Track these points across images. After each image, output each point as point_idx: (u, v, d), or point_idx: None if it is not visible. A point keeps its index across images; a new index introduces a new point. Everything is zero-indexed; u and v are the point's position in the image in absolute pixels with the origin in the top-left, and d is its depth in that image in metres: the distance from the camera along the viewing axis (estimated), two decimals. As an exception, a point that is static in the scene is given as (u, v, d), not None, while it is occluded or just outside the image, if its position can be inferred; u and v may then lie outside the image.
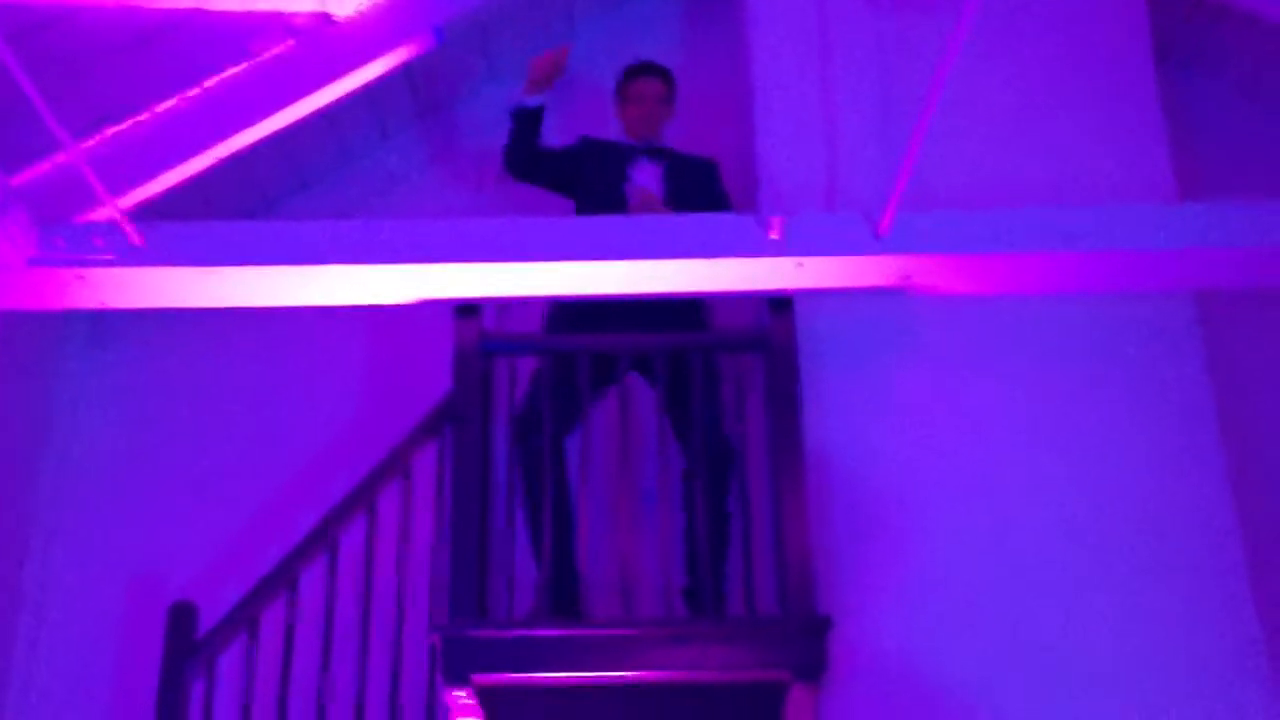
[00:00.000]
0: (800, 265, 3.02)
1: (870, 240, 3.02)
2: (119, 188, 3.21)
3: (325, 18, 3.60)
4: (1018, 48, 3.72)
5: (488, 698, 2.92)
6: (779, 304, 3.22)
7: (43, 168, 3.24)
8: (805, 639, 2.86)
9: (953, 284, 3.14)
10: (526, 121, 3.69)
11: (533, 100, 3.69)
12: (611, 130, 3.90)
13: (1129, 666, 3.06)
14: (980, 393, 3.35)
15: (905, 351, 3.38)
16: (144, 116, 3.41)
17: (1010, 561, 3.18)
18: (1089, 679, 3.06)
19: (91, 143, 3.32)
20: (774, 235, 3.00)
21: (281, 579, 3.09)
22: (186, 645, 2.99)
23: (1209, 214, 2.94)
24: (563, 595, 3.07)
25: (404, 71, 3.94)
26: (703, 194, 3.66)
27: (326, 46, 3.60)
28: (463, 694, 2.89)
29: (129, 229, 2.86)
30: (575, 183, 3.69)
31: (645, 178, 3.65)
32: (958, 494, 3.24)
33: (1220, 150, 3.96)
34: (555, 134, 3.94)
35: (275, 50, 3.55)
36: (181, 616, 3.02)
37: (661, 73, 3.83)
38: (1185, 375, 3.38)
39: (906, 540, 3.19)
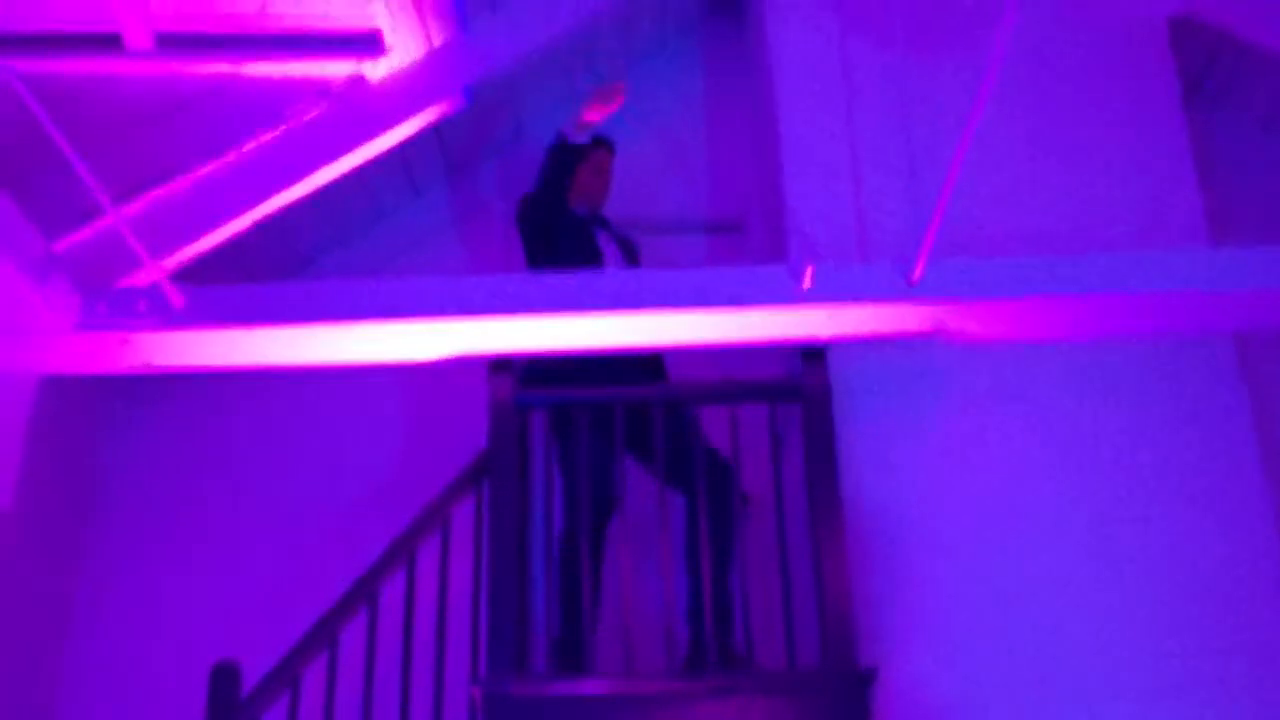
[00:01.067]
0: (832, 315, 3.03)
1: (902, 288, 3.02)
2: (159, 251, 3.26)
3: (359, 80, 3.67)
4: (1044, 90, 3.73)
5: (529, 754, 2.91)
6: (812, 354, 3.23)
7: (84, 234, 3.30)
8: (848, 692, 2.84)
9: (986, 330, 3.13)
10: (569, 157, 3.61)
11: (578, 136, 3.62)
12: (646, 177, 3.92)
13: (1174, 716, 3.02)
14: (1016, 438, 3.34)
15: (940, 398, 3.37)
16: (182, 181, 3.47)
17: (1051, 608, 3.15)
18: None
19: (132, 208, 3.38)
20: (805, 285, 3.01)
21: (322, 636, 3.10)
22: (230, 705, 2.99)
23: (1242, 256, 2.94)
24: (574, 654, 3.05)
25: (434, 131, 3.99)
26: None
27: (359, 108, 3.66)
28: (504, 749, 2.88)
29: (171, 292, 2.91)
30: (558, 244, 3.64)
31: (612, 254, 3.66)
32: (996, 540, 3.22)
33: (1248, 187, 3.95)
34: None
35: (310, 114, 3.61)
36: (224, 677, 3.02)
37: (607, 142, 3.80)
38: (1226, 417, 3.35)
39: (946, 588, 3.17)
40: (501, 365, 3.25)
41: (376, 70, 3.67)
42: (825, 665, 2.90)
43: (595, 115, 3.56)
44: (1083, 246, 3.32)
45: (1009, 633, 3.10)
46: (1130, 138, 3.66)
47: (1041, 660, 3.08)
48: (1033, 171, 3.62)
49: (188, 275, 3.36)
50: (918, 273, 2.98)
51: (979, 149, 3.40)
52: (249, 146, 3.55)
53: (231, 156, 3.53)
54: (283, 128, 3.58)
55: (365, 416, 3.87)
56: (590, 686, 2.91)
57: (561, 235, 3.64)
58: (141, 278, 3.17)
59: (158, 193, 3.45)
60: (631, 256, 3.76)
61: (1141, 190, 3.58)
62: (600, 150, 3.79)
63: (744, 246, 4.11)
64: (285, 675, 3.05)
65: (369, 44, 3.65)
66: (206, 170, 3.51)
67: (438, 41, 3.72)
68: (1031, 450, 3.30)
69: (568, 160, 3.61)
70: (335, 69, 3.64)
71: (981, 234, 3.42)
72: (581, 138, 3.63)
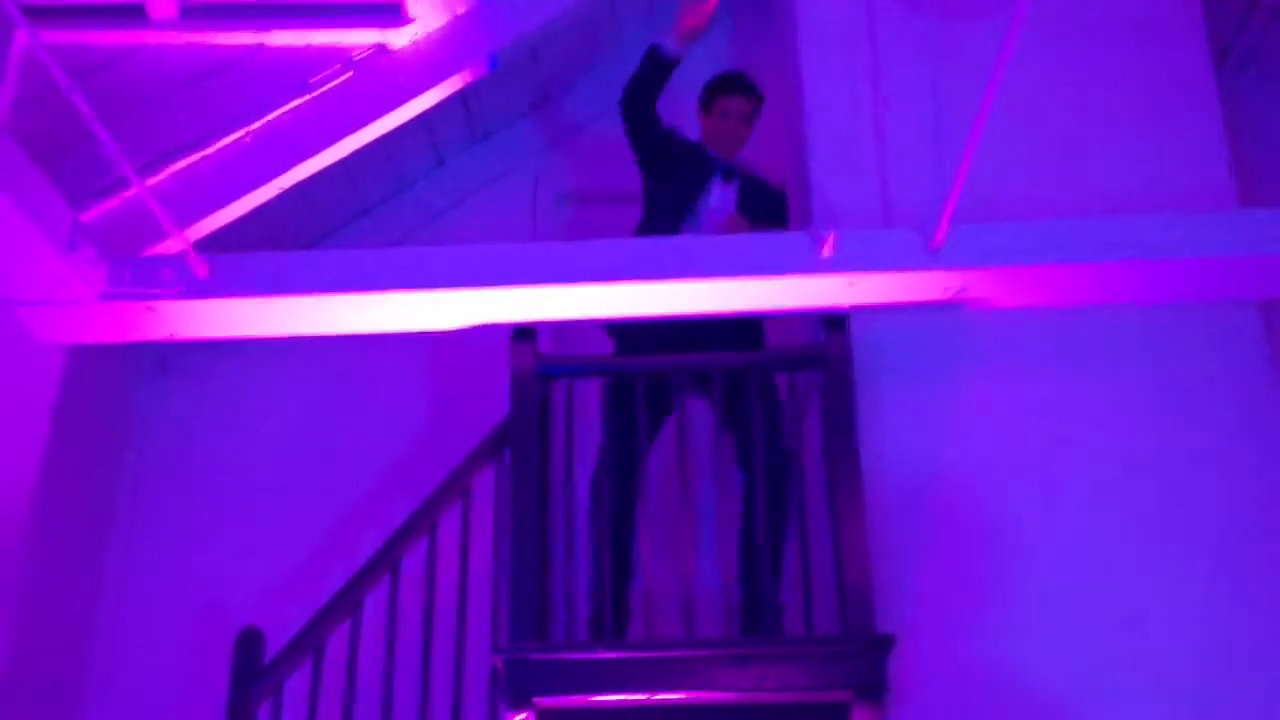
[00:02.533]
0: (854, 283, 3.02)
1: (924, 255, 3.01)
2: (184, 221, 3.29)
3: (382, 49, 3.67)
4: (1071, 54, 3.67)
5: None
6: (834, 321, 3.21)
7: (110, 204, 3.34)
8: (866, 658, 2.84)
9: (1008, 297, 3.12)
10: (661, 67, 3.56)
11: (673, 48, 3.57)
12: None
13: (1201, 677, 3.00)
14: (1038, 405, 3.31)
15: (962, 365, 3.35)
16: (207, 151, 3.49)
17: (1073, 574, 3.13)
18: (1158, 692, 3.00)
19: (158, 178, 3.41)
20: (827, 253, 3.00)
21: (345, 603, 3.13)
22: (254, 671, 3.04)
23: (1270, 221, 2.90)
24: (612, 621, 3.07)
25: (459, 99, 3.99)
26: (769, 220, 3.64)
27: (383, 77, 3.66)
28: (524, 716, 2.91)
29: (196, 262, 2.94)
30: (660, 164, 3.63)
31: (719, 199, 3.63)
32: (1018, 507, 3.20)
33: (1278, 151, 3.89)
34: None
35: (334, 83, 3.62)
36: (248, 642, 3.07)
37: (751, 89, 3.73)
38: (1251, 382, 3.31)
39: (967, 555, 3.16)
40: (524, 334, 3.26)
41: (400, 39, 3.67)
42: (844, 631, 2.90)
43: (690, 22, 3.52)
44: (1109, 212, 3.28)
45: (1031, 597, 3.09)
46: (1159, 102, 3.60)
47: (1063, 628, 3.07)
48: (1059, 137, 3.58)
49: (212, 245, 3.40)
50: (939, 239, 2.96)
51: (1004, 114, 3.36)
52: (273, 116, 3.57)
53: (256, 126, 3.55)
54: (306, 97, 3.60)
55: (388, 385, 3.89)
56: (609, 653, 2.93)
57: (659, 153, 3.62)
58: (167, 247, 3.20)
59: (183, 163, 3.48)
60: (762, 208, 3.63)
61: (1170, 155, 3.52)
62: (725, 95, 3.71)
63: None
64: (309, 642, 3.09)
65: (392, 13, 3.66)
66: (231, 140, 3.53)
67: (461, 9, 3.72)
68: (1053, 417, 3.28)
69: (653, 71, 3.57)
70: (359, 38, 3.65)
71: (1006, 200, 3.38)
72: (675, 48, 3.57)
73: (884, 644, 2.85)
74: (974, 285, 3.01)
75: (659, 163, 3.63)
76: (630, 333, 3.46)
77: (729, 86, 3.73)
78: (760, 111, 3.77)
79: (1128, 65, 3.64)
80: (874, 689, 2.82)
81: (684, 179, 3.60)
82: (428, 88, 3.75)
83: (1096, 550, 3.14)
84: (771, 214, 3.67)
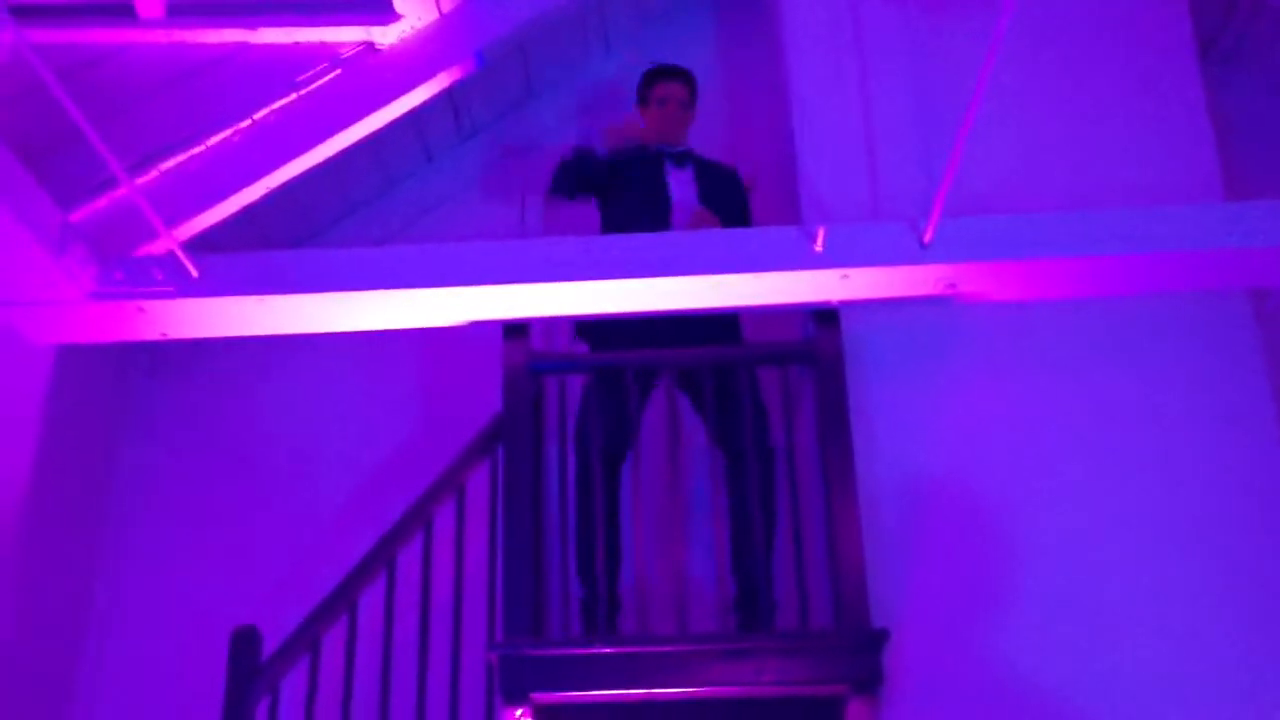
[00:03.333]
0: (845, 276, 3.03)
1: (915, 249, 3.02)
2: (173, 220, 3.28)
3: (369, 47, 3.66)
4: (1057, 48, 3.69)
5: (546, 715, 2.94)
6: (824, 316, 3.22)
7: (99, 203, 3.32)
8: (861, 652, 2.85)
9: (999, 290, 3.13)
10: (589, 164, 3.68)
11: (601, 150, 3.71)
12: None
13: (1195, 671, 3.02)
14: (1030, 398, 3.33)
15: (953, 359, 3.37)
16: (196, 150, 3.48)
17: (1067, 568, 3.15)
18: (1153, 686, 3.02)
19: (146, 177, 3.39)
20: (818, 247, 3.01)
21: (341, 600, 3.13)
22: (250, 669, 3.03)
23: (1257, 213, 2.92)
24: (601, 615, 3.08)
25: (446, 96, 3.99)
26: (728, 202, 3.65)
27: (371, 75, 3.66)
28: (521, 712, 2.92)
29: (186, 261, 2.93)
30: (610, 190, 3.69)
31: (681, 187, 3.65)
32: (1010, 502, 3.22)
33: (1263, 144, 3.91)
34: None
35: (321, 81, 3.61)
36: (245, 640, 3.06)
37: (683, 75, 3.81)
38: (1242, 374, 3.33)
39: (960, 550, 3.17)
40: (516, 330, 3.26)
41: (387, 36, 3.67)
42: (838, 626, 2.92)
43: (613, 140, 3.69)
44: (1097, 205, 3.30)
45: (1025, 595, 3.11)
46: (1145, 95, 3.62)
47: (1057, 622, 3.09)
48: (1047, 130, 3.60)
49: (202, 244, 3.38)
50: (929, 233, 2.97)
51: (993, 109, 3.38)
52: (261, 115, 3.56)
53: (244, 125, 3.54)
54: (294, 96, 3.59)
55: (381, 382, 3.89)
56: (605, 648, 2.94)
57: (606, 182, 3.68)
58: (157, 247, 3.19)
59: (172, 162, 3.46)
60: (718, 188, 3.68)
61: (1156, 148, 3.55)
62: (658, 82, 3.77)
63: (756, 208, 4.10)
64: (305, 639, 3.09)
65: (380, 10, 3.65)
66: (220, 139, 3.52)
67: (448, 7, 3.71)
68: (1046, 410, 3.30)
69: (582, 168, 3.68)
70: (346, 35, 3.64)
71: (995, 194, 3.40)
72: (600, 151, 3.70)
73: (879, 638, 2.86)
74: (965, 279, 3.02)
75: (608, 188, 3.69)
76: (602, 332, 3.46)
77: (663, 74, 3.81)
78: (695, 99, 3.82)
79: (1114, 58, 3.67)
80: (869, 683, 2.83)
81: (638, 182, 3.63)
82: (415, 85, 3.75)
83: (1089, 544, 3.16)
84: (729, 193, 3.68)
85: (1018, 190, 3.46)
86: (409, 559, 3.21)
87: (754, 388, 3.31)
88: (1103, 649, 3.05)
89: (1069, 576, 3.13)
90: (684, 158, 3.72)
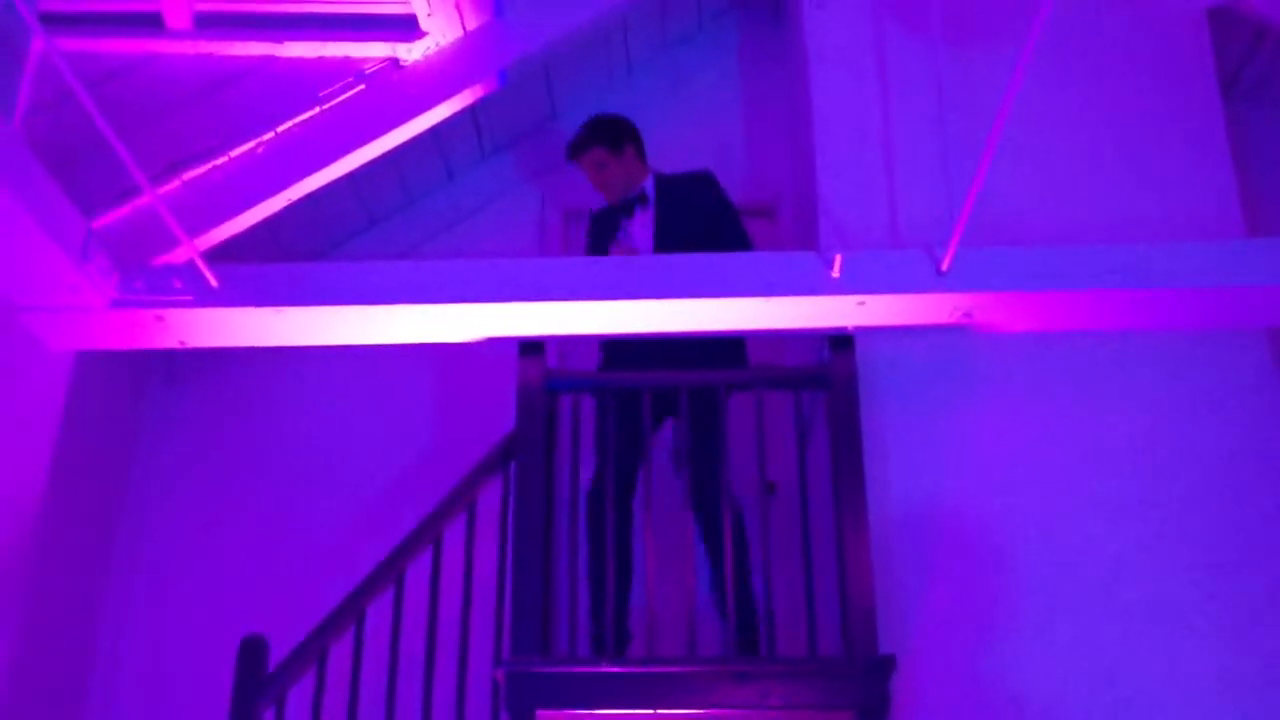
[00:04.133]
0: (862, 303, 3.04)
1: (932, 277, 3.03)
2: (195, 230, 3.31)
3: (394, 63, 3.69)
4: (1080, 79, 3.70)
5: (551, 733, 2.94)
6: (840, 341, 3.22)
7: (122, 211, 3.35)
8: (869, 678, 2.84)
9: (1015, 321, 3.14)
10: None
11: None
12: (679, 163, 3.93)
13: (1209, 701, 3.00)
14: (1043, 428, 3.32)
15: (968, 387, 3.36)
16: (219, 161, 3.51)
17: (1077, 597, 3.13)
18: (1165, 714, 3.00)
19: (169, 187, 3.42)
20: (835, 274, 3.02)
21: (349, 613, 3.13)
22: (258, 678, 3.03)
23: (1277, 250, 2.91)
24: (612, 641, 3.07)
25: (469, 114, 4.02)
26: (699, 208, 3.63)
27: (394, 91, 3.68)
28: (526, 729, 2.91)
29: (206, 271, 2.95)
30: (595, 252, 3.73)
31: (640, 229, 3.65)
32: (1022, 530, 3.21)
33: (1286, 183, 3.91)
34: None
35: (345, 95, 3.64)
36: (253, 650, 3.06)
37: (590, 140, 3.72)
38: (1257, 410, 3.32)
39: (971, 577, 3.16)
40: (531, 348, 3.27)
41: (412, 53, 3.69)
42: (846, 652, 2.91)
43: None
44: (1116, 238, 3.30)
45: (1035, 623, 3.10)
46: (1167, 129, 3.62)
47: (1067, 651, 3.07)
48: (1067, 162, 3.60)
49: (222, 254, 3.41)
50: (947, 262, 2.98)
51: (1013, 138, 3.38)
52: (285, 128, 3.59)
53: (267, 137, 3.57)
54: (318, 109, 3.61)
55: (396, 396, 3.90)
56: (612, 668, 2.93)
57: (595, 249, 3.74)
58: (178, 256, 3.22)
59: (194, 172, 3.49)
60: (685, 201, 3.68)
61: (1177, 182, 3.54)
62: (574, 161, 3.78)
63: (775, 233, 4.11)
64: (312, 650, 3.09)
65: (405, 26, 3.68)
66: (243, 151, 3.54)
67: (472, 25, 3.74)
68: (1059, 441, 3.29)
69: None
70: (371, 51, 3.67)
71: (1014, 224, 3.40)
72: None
73: (886, 665, 2.85)
74: (981, 309, 3.03)
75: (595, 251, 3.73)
76: (612, 352, 3.50)
77: (569, 157, 3.78)
78: (620, 141, 3.72)
79: (1136, 92, 3.67)
80: (877, 710, 2.82)
81: (605, 239, 3.65)
82: (438, 102, 3.77)
83: (1100, 573, 3.15)
84: (699, 198, 3.66)
85: (1036, 221, 3.46)
86: (418, 573, 3.21)
87: (714, 420, 3.27)
88: (1112, 680, 3.04)
89: (1080, 607, 3.12)
90: (641, 199, 3.70)
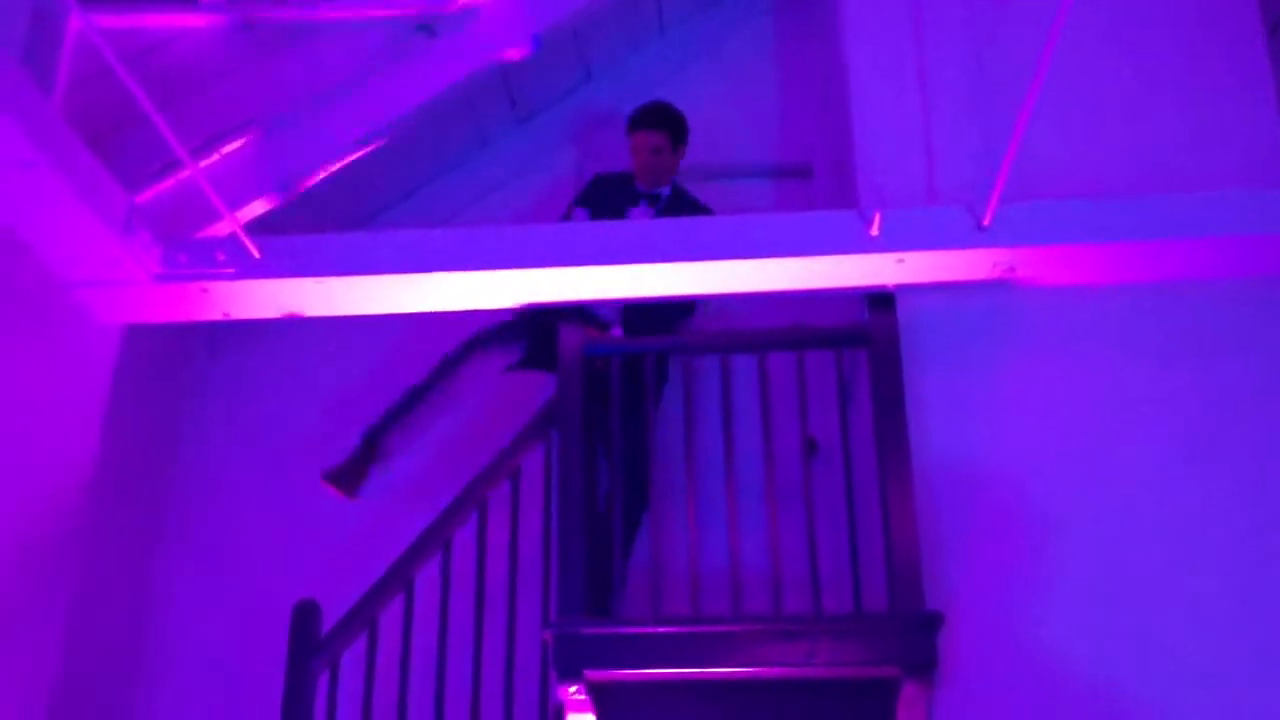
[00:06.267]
0: (901, 260, 3.02)
1: (973, 232, 3.00)
2: (235, 203, 3.33)
3: (428, 27, 3.68)
4: (1120, 27, 3.62)
5: (600, 693, 2.97)
6: (880, 299, 3.21)
7: (163, 186, 3.38)
8: (915, 635, 2.85)
9: (1058, 275, 3.11)
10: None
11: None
12: (713, 125, 3.92)
13: (1250, 659, 2.98)
14: (1088, 383, 3.29)
15: (1010, 343, 3.33)
16: (256, 132, 3.52)
17: (1122, 554, 3.11)
18: (1207, 673, 2.99)
19: (209, 160, 3.44)
20: (874, 231, 3.00)
21: (398, 578, 3.18)
22: (311, 643, 3.08)
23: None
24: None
25: (501, 80, 4.01)
26: None
27: (427, 57, 3.68)
28: (575, 689, 2.94)
29: (247, 243, 2.98)
30: (591, 204, 3.73)
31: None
32: (1067, 486, 3.18)
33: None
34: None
35: (377, 65, 3.64)
36: (306, 615, 3.11)
37: (663, 123, 3.74)
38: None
39: (1016, 533, 3.15)
40: (570, 313, 3.28)
41: (445, 18, 3.68)
42: (892, 609, 2.91)
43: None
44: (1160, 188, 3.25)
45: (1081, 576, 3.08)
46: (1210, 75, 3.55)
47: (1112, 608, 3.06)
48: (1108, 112, 3.54)
49: (261, 226, 3.43)
50: (988, 216, 2.95)
51: (1052, 88, 3.33)
52: (320, 97, 3.59)
53: (304, 107, 3.58)
54: (352, 77, 3.62)
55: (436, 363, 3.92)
56: (659, 628, 2.96)
57: (592, 198, 3.74)
58: (219, 229, 3.24)
59: (233, 145, 3.51)
60: None
61: (1221, 129, 3.47)
62: (635, 131, 3.76)
63: (812, 191, 4.09)
64: (363, 615, 3.14)
65: (438, -9, 3.67)
66: (280, 121, 3.56)
67: (504, -10, 3.73)
68: (1102, 396, 3.26)
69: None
70: (405, 16, 3.66)
71: (1054, 177, 3.35)
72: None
73: (933, 621, 2.86)
74: (1023, 263, 3.00)
75: (592, 201, 3.72)
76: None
77: (634, 124, 3.78)
78: (682, 143, 3.76)
79: (1178, 38, 3.60)
80: (924, 666, 2.83)
81: (606, 206, 3.65)
82: (471, 67, 3.77)
83: (1145, 530, 3.12)
84: None
85: (1077, 173, 3.41)
86: (465, 538, 3.25)
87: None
88: (1157, 636, 3.02)
89: (1125, 563, 3.10)
90: (654, 200, 3.71)
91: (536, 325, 3.53)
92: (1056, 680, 3.00)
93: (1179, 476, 3.17)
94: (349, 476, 3.48)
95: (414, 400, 3.51)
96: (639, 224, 3.14)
